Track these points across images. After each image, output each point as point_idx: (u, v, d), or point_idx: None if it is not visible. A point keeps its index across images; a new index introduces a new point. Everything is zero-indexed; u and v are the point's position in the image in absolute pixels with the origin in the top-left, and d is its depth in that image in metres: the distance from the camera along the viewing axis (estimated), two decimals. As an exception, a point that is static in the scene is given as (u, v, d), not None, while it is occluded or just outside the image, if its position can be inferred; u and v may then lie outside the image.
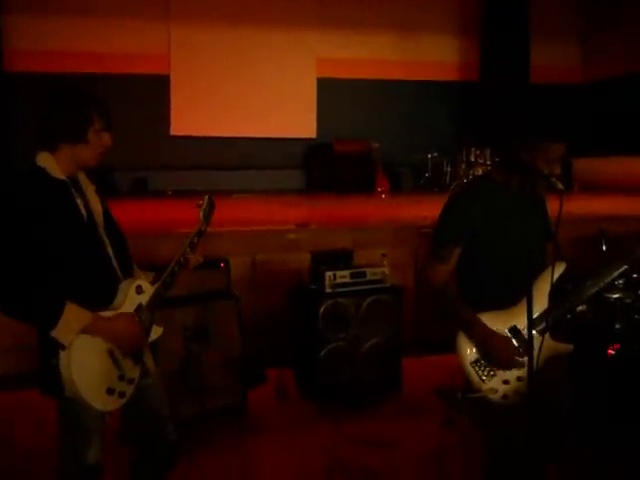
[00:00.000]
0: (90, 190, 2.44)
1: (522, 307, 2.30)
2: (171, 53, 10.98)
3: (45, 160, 2.29)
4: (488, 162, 11.36)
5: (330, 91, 11.45)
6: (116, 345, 2.29)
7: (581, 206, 7.63)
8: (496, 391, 2.39)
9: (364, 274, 4.53)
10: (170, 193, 10.33)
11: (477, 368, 2.40)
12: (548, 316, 2.36)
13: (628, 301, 3.97)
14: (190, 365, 4.04)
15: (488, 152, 11.34)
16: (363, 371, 4.48)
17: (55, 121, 2.29)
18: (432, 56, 12.03)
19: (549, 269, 2.41)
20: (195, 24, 10.89)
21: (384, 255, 4.69)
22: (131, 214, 6.63)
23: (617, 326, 3.73)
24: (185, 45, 10.96)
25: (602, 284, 2.49)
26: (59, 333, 2.13)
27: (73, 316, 2.15)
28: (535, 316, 2.33)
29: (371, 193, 10.66)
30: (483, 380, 2.39)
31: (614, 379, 3.53)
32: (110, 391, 2.28)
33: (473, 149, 11.30)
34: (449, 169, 11.17)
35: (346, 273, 4.50)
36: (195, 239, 2.55)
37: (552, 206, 2.77)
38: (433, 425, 3.48)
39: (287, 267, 5.14)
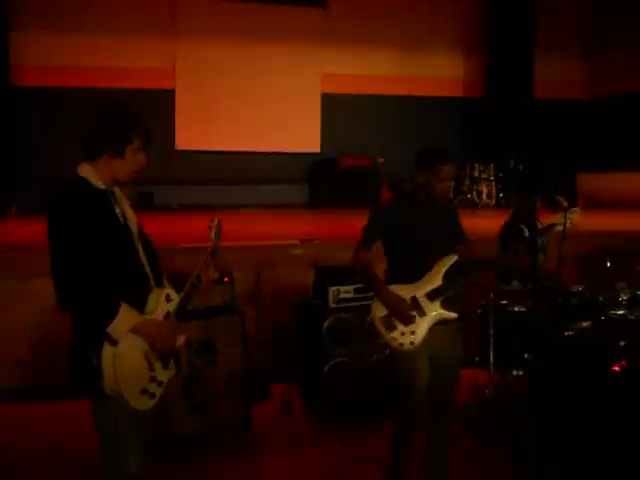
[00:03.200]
0: (125, 203, 2.62)
1: (421, 283, 3.21)
2: (176, 68, 11.06)
3: (86, 171, 2.45)
4: (491, 177, 11.43)
5: (335, 106, 11.51)
6: (154, 345, 2.43)
7: (585, 222, 7.59)
8: (395, 339, 3.20)
9: (368, 289, 4.52)
10: (176, 207, 10.36)
11: (383, 323, 3.22)
12: (441, 290, 3.22)
13: (632, 317, 3.97)
14: (194, 380, 4.03)
15: (492, 167, 11.40)
16: (367, 386, 4.46)
17: (99, 134, 2.46)
18: (436, 72, 12.08)
19: (445, 258, 3.22)
20: (200, 40, 10.96)
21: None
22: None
23: (622, 343, 3.72)
24: (190, 60, 11.04)
25: (471, 277, 3.32)
26: (114, 329, 2.32)
27: (127, 315, 2.35)
28: (431, 289, 3.20)
29: (375, 208, 10.65)
30: (386, 331, 3.21)
31: (621, 397, 3.51)
32: (144, 391, 2.42)
33: (477, 165, 11.33)
34: (453, 184, 11.16)
35: (350, 288, 4.51)
36: (208, 258, 2.68)
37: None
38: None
39: (291, 282, 5.14)
